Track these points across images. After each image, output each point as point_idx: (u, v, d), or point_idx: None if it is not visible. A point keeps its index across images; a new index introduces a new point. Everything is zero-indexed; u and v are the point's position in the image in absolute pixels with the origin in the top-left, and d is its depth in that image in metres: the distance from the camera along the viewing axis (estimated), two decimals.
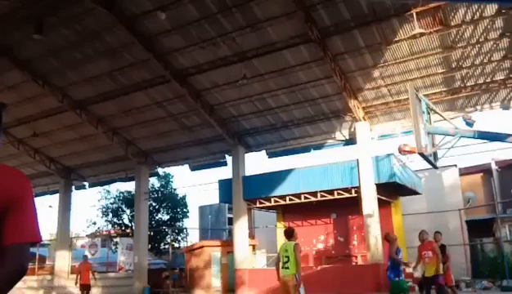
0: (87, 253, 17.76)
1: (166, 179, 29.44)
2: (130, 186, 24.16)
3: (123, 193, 28.22)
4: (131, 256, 18.48)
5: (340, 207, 14.90)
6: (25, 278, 12.75)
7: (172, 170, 30.07)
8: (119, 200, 28.37)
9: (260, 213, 18.26)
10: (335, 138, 14.75)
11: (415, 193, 15.32)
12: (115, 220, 28.34)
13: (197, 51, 12.39)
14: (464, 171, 18.78)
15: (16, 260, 1.26)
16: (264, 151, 16.01)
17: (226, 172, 16.80)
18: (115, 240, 25.19)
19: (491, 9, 10.08)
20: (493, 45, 11.02)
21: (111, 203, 28.36)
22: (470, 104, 12.96)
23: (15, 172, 1.38)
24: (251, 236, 16.14)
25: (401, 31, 10.86)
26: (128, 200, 26.54)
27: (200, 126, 15.35)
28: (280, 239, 16.39)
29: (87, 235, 25.61)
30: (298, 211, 15.56)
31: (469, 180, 19.01)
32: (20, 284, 1.51)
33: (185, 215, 30.30)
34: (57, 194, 19.81)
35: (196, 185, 55.11)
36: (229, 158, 16.10)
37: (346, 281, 12.47)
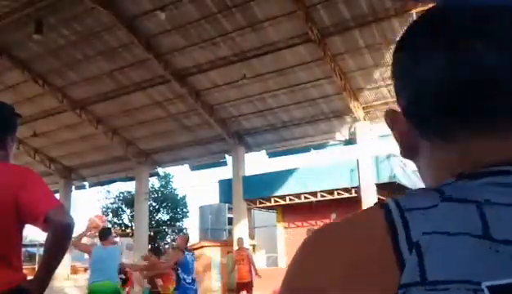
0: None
1: (166, 179, 29.49)
2: (130, 186, 24.18)
3: (123, 193, 28.27)
4: (131, 256, 18.48)
5: (340, 207, 14.89)
6: None
7: (172, 170, 30.07)
8: (119, 200, 28.41)
9: (260, 213, 18.28)
10: (335, 138, 14.75)
11: None
12: (115, 220, 28.37)
13: (197, 51, 12.39)
14: None
15: (56, 222, 1.46)
16: (264, 151, 16.01)
17: (226, 172, 16.80)
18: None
19: None
20: None
21: (111, 203, 28.41)
22: None
23: (17, 166, 1.57)
24: (251, 236, 16.15)
25: (402, 31, 10.81)
26: (128, 200, 26.57)
27: (200, 126, 15.35)
28: (281, 239, 16.41)
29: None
30: (298, 211, 15.56)
31: None
32: None
33: (185, 215, 30.36)
34: (57, 194, 19.82)
35: (196, 186, 55.11)
36: (229, 158, 16.11)
37: None
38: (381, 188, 13.33)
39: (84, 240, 7.12)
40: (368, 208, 0.43)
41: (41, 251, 21.91)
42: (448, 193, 0.40)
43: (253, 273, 10.04)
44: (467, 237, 0.36)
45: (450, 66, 0.42)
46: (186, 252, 7.02)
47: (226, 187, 15.84)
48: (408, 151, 0.50)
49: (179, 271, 6.91)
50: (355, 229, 0.42)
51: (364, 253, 0.39)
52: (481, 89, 0.41)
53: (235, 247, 14.55)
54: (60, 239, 1.47)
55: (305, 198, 14.35)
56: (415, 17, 8.37)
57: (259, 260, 16.85)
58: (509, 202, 0.38)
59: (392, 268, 0.37)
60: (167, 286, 8.53)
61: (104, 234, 6.75)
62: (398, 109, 0.50)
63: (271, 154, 15.92)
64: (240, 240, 10.62)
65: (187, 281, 6.90)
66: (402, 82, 0.48)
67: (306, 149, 15.42)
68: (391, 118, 0.51)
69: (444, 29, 0.45)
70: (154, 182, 27.49)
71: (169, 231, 25.71)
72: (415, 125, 0.47)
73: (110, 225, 28.23)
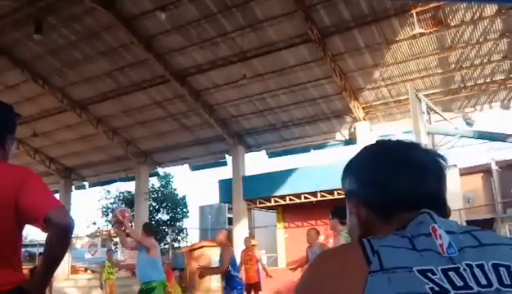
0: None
1: (166, 179, 29.48)
2: (130, 186, 24.18)
3: (123, 193, 28.25)
4: (131, 255, 18.47)
5: None
6: None
7: (172, 170, 30.08)
8: (119, 200, 28.38)
9: (260, 213, 18.27)
10: (335, 138, 14.75)
11: None
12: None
13: (197, 51, 12.39)
14: (464, 171, 18.79)
15: (56, 223, 1.44)
16: (264, 151, 16.01)
17: (226, 172, 16.81)
18: (115, 240, 25.18)
19: (491, 9, 10.08)
20: (493, 45, 11.02)
21: (111, 203, 28.39)
22: (470, 105, 12.96)
23: (16, 167, 1.66)
24: (251, 236, 16.14)
25: (402, 31, 10.87)
26: (128, 200, 26.54)
27: (200, 126, 15.35)
28: (281, 239, 16.40)
29: (87, 235, 25.61)
30: (298, 211, 15.56)
31: (469, 180, 19.02)
32: None
33: (185, 215, 30.36)
34: (57, 194, 19.80)
35: (196, 186, 55.08)
36: (229, 158, 16.11)
37: None
38: None
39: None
40: (350, 244, 0.76)
41: (41, 251, 21.90)
42: (392, 235, 0.74)
43: (263, 273, 9.85)
44: (404, 249, 0.69)
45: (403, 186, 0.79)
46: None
47: (226, 187, 15.83)
48: (367, 230, 0.81)
49: (229, 268, 6.66)
50: (344, 255, 0.74)
51: (350, 263, 0.71)
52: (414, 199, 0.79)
53: (236, 248, 14.53)
54: (60, 240, 1.47)
55: (305, 198, 14.35)
56: (415, 17, 8.27)
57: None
58: (423, 232, 0.71)
59: (364, 266, 0.68)
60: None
61: (154, 229, 6.82)
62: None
63: (271, 154, 15.92)
64: (248, 240, 10.47)
65: (239, 276, 6.98)
66: (376, 190, 0.81)
67: (306, 149, 15.42)
68: (356, 211, 0.85)
69: (402, 164, 0.81)
70: (154, 182, 27.50)
71: (169, 231, 25.67)
72: (380, 214, 0.80)
73: (109, 226, 28.25)
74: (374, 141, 0.88)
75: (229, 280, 6.71)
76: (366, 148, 0.88)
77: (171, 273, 8.11)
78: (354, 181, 0.85)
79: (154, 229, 6.50)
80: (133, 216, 21.09)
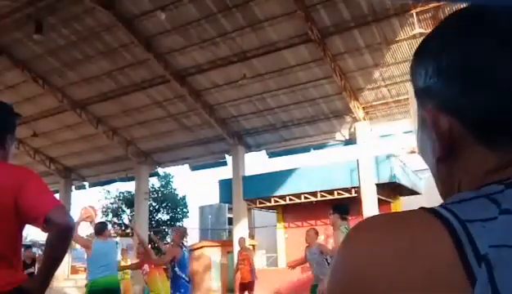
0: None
1: (166, 179, 29.51)
2: (130, 186, 24.18)
3: (123, 193, 28.28)
4: (131, 256, 18.45)
5: None
6: None
7: (172, 170, 30.12)
8: (119, 200, 28.41)
9: (260, 213, 18.28)
10: (335, 138, 14.75)
11: (415, 193, 15.32)
12: (115, 220, 28.39)
13: (197, 51, 12.40)
14: None
15: (56, 223, 1.44)
16: (264, 151, 16.01)
17: (226, 172, 16.82)
18: (115, 240, 25.18)
19: None
20: None
21: (111, 203, 28.43)
22: None
23: (16, 167, 1.55)
24: (251, 236, 16.15)
25: (402, 31, 10.87)
26: (128, 200, 26.58)
27: (200, 126, 15.35)
28: (281, 239, 16.40)
29: (87, 235, 25.63)
30: (298, 211, 15.57)
31: None
32: None
33: (185, 215, 30.39)
34: (57, 194, 19.80)
35: (196, 186, 55.05)
36: (229, 158, 16.11)
37: None
38: (381, 188, 13.33)
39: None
40: (419, 219, 0.41)
41: (41, 251, 21.89)
42: (504, 205, 0.39)
43: (260, 273, 9.93)
44: None
45: None
46: (184, 248, 6.72)
47: (226, 187, 15.84)
48: (447, 151, 0.48)
49: (176, 268, 6.47)
50: (418, 244, 0.39)
51: (432, 269, 0.37)
52: None
53: (236, 247, 14.54)
54: (61, 240, 1.47)
55: (305, 198, 14.35)
56: (415, 17, 8.23)
57: (259, 260, 16.84)
58: None
59: (462, 283, 0.36)
60: (153, 277, 7.68)
61: (101, 228, 6.63)
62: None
63: (271, 154, 15.92)
64: (242, 240, 10.59)
65: (186, 279, 6.59)
66: (472, 86, 0.45)
67: (306, 149, 15.42)
68: (432, 117, 0.48)
69: None
70: (154, 182, 27.53)
71: (169, 231, 25.68)
72: (476, 129, 0.45)
73: (109, 225, 28.26)
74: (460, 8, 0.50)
75: (174, 280, 6.56)
76: (450, 17, 0.52)
77: (154, 268, 8.01)
78: (432, 72, 0.49)
79: (99, 230, 6.58)
80: (133, 215, 21.12)
